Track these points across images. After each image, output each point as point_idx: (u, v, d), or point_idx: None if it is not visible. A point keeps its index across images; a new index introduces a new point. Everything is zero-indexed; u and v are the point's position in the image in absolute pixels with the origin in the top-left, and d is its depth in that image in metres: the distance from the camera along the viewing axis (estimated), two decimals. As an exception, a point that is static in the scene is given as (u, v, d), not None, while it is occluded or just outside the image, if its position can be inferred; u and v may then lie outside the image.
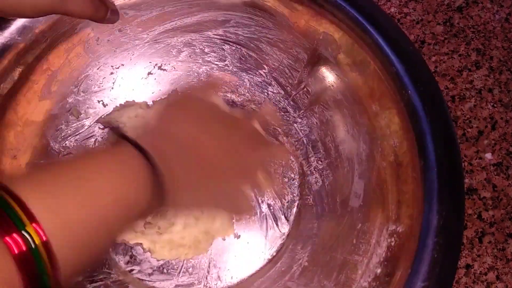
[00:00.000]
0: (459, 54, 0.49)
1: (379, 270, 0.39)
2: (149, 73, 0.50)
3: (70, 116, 0.47)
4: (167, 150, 0.30)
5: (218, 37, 0.50)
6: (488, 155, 0.46)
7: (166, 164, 0.29)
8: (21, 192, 0.22)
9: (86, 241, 0.24)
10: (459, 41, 0.50)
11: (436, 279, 0.35)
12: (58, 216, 0.23)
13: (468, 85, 0.48)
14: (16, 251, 0.20)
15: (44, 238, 0.21)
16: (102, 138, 0.48)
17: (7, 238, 0.20)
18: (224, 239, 0.45)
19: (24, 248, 0.20)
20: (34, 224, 0.21)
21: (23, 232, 0.21)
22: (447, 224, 0.36)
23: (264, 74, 0.50)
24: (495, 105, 0.48)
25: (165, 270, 0.44)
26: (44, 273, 0.21)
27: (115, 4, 0.38)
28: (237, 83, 0.50)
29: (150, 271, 0.44)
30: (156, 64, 0.50)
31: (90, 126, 0.48)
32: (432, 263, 0.35)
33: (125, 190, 0.27)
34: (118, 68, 0.49)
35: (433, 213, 0.37)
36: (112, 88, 0.49)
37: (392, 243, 0.39)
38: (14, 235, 0.20)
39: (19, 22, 0.43)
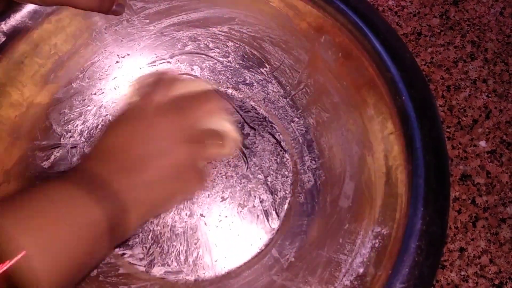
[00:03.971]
0: (454, 46, 0.51)
1: (361, 270, 0.40)
2: (154, 65, 0.52)
3: (74, 101, 0.49)
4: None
5: (223, 33, 0.51)
6: (482, 143, 0.47)
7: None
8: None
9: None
10: (454, 33, 0.51)
11: (414, 281, 0.36)
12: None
13: (463, 76, 0.49)
14: None
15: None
16: (103, 126, 0.50)
17: None
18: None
19: None
20: None
21: None
22: (430, 229, 0.37)
23: (265, 73, 0.51)
24: (489, 95, 0.49)
25: (155, 256, 0.45)
26: None
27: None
28: (238, 80, 0.52)
29: (141, 256, 0.45)
30: (161, 56, 0.52)
31: (93, 111, 0.50)
32: (412, 266, 0.36)
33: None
34: (123, 57, 0.51)
35: (417, 217, 0.38)
36: (116, 77, 0.51)
37: (376, 244, 0.40)
38: None
39: (30, 7, 0.44)
